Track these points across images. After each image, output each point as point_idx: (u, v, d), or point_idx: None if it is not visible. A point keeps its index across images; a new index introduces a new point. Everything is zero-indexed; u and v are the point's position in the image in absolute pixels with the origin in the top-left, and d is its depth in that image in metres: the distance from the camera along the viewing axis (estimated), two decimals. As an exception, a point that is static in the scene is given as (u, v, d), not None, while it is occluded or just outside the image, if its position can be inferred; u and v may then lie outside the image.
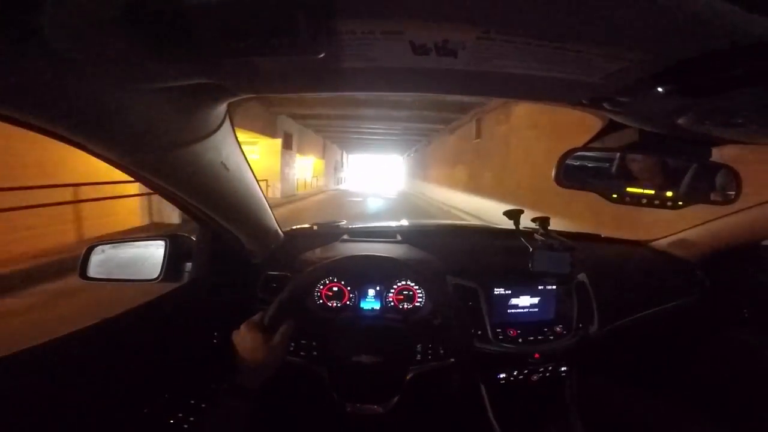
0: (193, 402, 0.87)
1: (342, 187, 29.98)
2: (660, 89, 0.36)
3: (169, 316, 0.83)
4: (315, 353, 0.75)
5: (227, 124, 0.59)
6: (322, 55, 0.29)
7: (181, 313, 0.86)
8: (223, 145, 0.62)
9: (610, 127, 0.66)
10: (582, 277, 1.17)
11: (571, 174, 0.68)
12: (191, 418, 0.76)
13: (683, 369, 1.29)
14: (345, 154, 38.19)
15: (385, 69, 0.35)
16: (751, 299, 1.32)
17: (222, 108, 0.54)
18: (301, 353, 0.75)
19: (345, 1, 0.24)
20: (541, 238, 1.16)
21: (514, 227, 1.29)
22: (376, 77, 0.38)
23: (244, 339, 0.69)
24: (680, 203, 0.70)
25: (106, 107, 0.38)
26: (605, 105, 0.46)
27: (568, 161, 0.67)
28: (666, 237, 1.55)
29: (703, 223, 1.42)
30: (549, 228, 1.26)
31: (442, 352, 0.77)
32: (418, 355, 0.77)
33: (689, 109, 0.46)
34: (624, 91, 0.41)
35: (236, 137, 0.66)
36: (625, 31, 0.28)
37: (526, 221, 1.31)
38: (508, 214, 1.30)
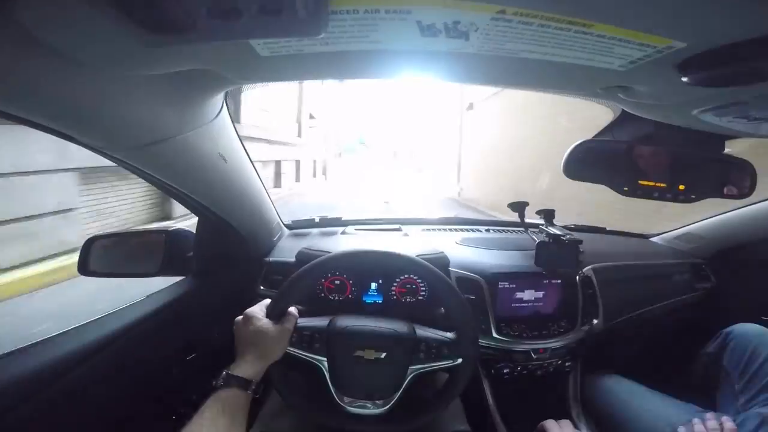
0: (194, 397, 0.86)
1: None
2: (684, 79, 0.34)
3: (169, 310, 0.82)
4: (317, 345, 0.73)
5: (224, 113, 0.57)
6: (321, 36, 0.27)
7: (181, 306, 0.85)
8: (220, 136, 0.60)
9: (622, 118, 0.64)
10: (588, 271, 1.16)
11: (582, 166, 0.66)
12: (191, 413, 0.75)
13: (687, 365, 1.28)
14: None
15: (389, 52, 0.32)
16: (758, 295, 1.30)
17: (219, 97, 0.52)
18: (303, 344, 0.73)
19: None
20: (547, 231, 1.14)
21: (519, 220, 1.28)
22: (380, 61, 0.35)
23: (246, 327, 0.67)
24: (693, 197, 0.68)
25: (95, 97, 0.36)
26: (621, 95, 0.44)
27: (579, 153, 0.65)
28: (672, 231, 1.53)
29: (710, 217, 1.40)
30: (554, 221, 1.24)
31: (446, 351, 0.75)
32: (421, 354, 0.75)
33: (709, 101, 0.44)
34: (644, 81, 0.38)
35: (234, 127, 0.64)
36: (656, 15, 0.25)
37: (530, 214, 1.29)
38: (513, 206, 1.28)
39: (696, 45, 0.29)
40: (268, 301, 0.73)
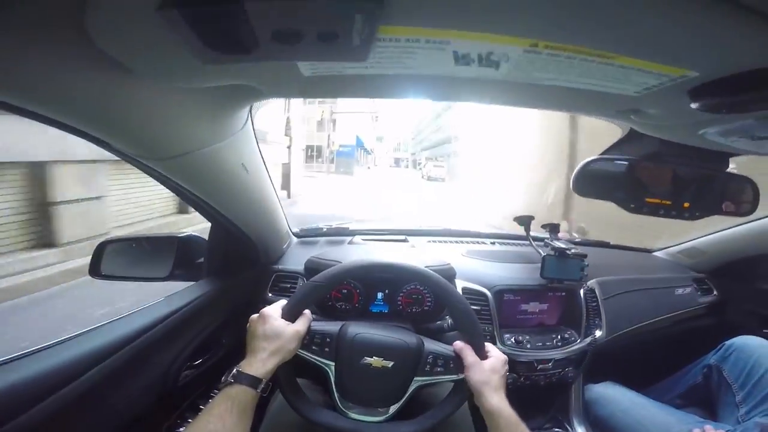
0: (203, 399, 0.87)
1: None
2: (693, 105, 0.36)
3: (179, 315, 0.82)
4: (327, 349, 0.74)
5: (249, 125, 0.59)
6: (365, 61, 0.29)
7: (190, 311, 0.85)
8: (244, 147, 0.62)
9: (630, 136, 0.66)
10: (592, 284, 1.17)
11: (590, 183, 0.68)
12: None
13: (688, 376, 1.28)
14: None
15: (422, 77, 0.34)
16: (759, 308, 1.31)
17: (246, 109, 0.54)
18: (314, 347, 0.74)
19: (397, 7, 0.24)
20: (552, 244, 1.16)
21: (524, 233, 1.29)
22: (412, 84, 0.37)
23: (262, 325, 0.67)
24: (697, 214, 0.70)
25: (137, 106, 0.38)
26: (632, 117, 0.46)
27: (587, 169, 0.67)
28: (675, 245, 1.55)
29: (713, 233, 1.41)
30: (559, 235, 1.26)
31: (452, 365, 0.76)
32: (428, 366, 0.76)
33: (716, 122, 0.46)
34: (656, 105, 0.40)
35: (256, 138, 0.66)
36: (674, 48, 0.27)
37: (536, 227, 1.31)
38: (519, 220, 1.30)
39: (707, 74, 0.31)
40: (283, 301, 0.74)
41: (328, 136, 22.43)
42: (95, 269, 0.93)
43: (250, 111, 0.57)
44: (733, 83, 0.31)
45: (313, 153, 25.09)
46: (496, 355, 0.75)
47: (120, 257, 0.99)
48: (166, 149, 0.48)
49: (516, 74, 0.32)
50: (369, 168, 43.44)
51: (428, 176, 26.32)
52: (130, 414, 0.72)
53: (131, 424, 0.72)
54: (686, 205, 0.68)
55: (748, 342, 1.12)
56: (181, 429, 0.86)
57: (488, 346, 0.76)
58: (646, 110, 0.42)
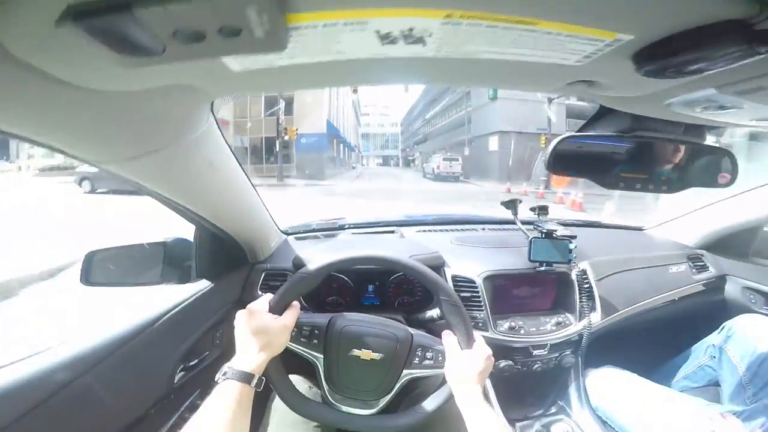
0: (198, 401, 0.88)
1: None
2: (639, 72, 0.35)
3: (170, 317, 0.83)
4: (315, 341, 0.75)
5: (212, 123, 0.59)
6: (285, 51, 0.29)
7: (182, 313, 0.86)
8: (208, 145, 0.62)
9: (602, 113, 0.66)
10: (584, 265, 1.17)
11: (564, 160, 0.67)
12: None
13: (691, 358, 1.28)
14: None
15: (355, 61, 0.34)
16: (758, 285, 1.30)
17: (204, 108, 0.54)
18: (302, 339, 0.74)
19: None
20: (540, 227, 1.16)
21: (512, 217, 1.29)
22: (345, 70, 0.37)
23: (249, 321, 0.67)
24: (675, 187, 0.69)
25: (80, 113, 0.38)
26: (588, 89, 0.45)
27: (561, 148, 0.67)
28: (666, 222, 1.54)
29: (701, 208, 1.40)
30: (548, 216, 1.26)
31: (440, 358, 0.75)
32: (416, 359, 0.76)
33: (677, 93, 0.45)
34: (604, 74, 0.40)
35: (223, 136, 0.66)
36: (595, 9, 0.27)
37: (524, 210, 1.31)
38: (506, 204, 1.30)
39: (642, 37, 0.31)
40: (270, 295, 0.74)
41: (278, 122, 14.04)
42: (86, 278, 0.94)
43: (211, 109, 0.57)
44: (670, 44, 0.30)
45: (261, 151, 16.91)
46: (478, 349, 0.73)
47: (109, 265, 1.00)
48: (121, 153, 0.48)
49: (446, 50, 0.32)
50: (354, 168, 36.09)
51: (437, 173, 21.34)
52: (128, 418, 0.73)
53: (131, 426, 0.73)
54: (663, 178, 0.68)
55: (749, 322, 1.11)
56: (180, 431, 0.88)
57: (477, 338, 0.75)
58: (598, 81, 0.42)
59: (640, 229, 1.61)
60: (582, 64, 0.36)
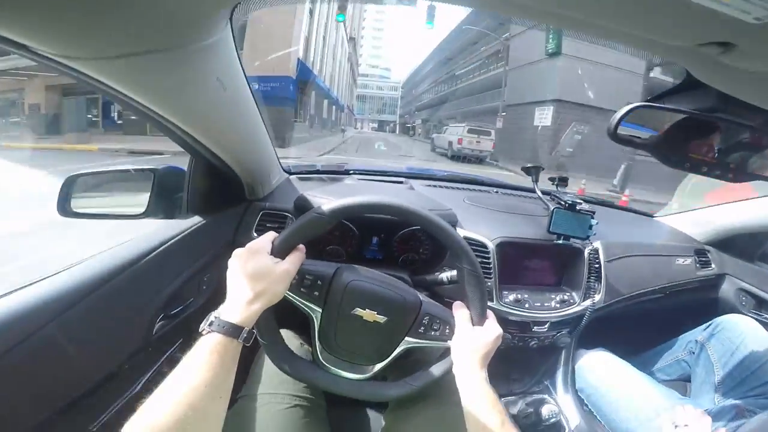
0: (178, 354, 0.82)
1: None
2: None
3: (151, 258, 0.74)
4: (316, 293, 0.66)
5: (227, 33, 0.47)
6: None
7: (167, 252, 0.77)
8: (219, 58, 0.50)
9: (685, 85, 0.57)
10: (597, 244, 1.12)
11: (630, 130, 0.60)
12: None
13: (675, 350, 1.30)
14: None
15: None
16: (755, 289, 1.30)
17: (223, 12, 0.42)
18: (302, 289, 0.65)
19: None
20: (561, 198, 1.09)
21: (532, 184, 1.22)
22: None
23: (248, 262, 0.57)
24: (742, 177, 0.63)
25: None
26: (720, 56, 0.36)
27: (630, 116, 0.58)
28: (679, 213, 1.50)
29: (716, 205, 1.36)
30: (567, 189, 1.19)
31: (447, 331, 0.68)
32: (422, 328, 0.69)
33: None
34: (737, 39, 0.31)
35: (238, 53, 0.54)
36: None
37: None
38: (527, 170, 1.22)
39: None
40: (273, 234, 0.64)
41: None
42: (63, 207, 0.84)
43: (231, 17, 0.45)
44: None
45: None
46: (490, 327, 0.67)
47: (91, 193, 0.90)
48: (113, 46, 0.37)
49: None
50: (344, 131, 27.22)
51: (457, 149, 14.84)
52: (101, 371, 0.66)
53: (103, 382, 0.65)
54: (732, 165, 0.61)
55: (736, 321, 1.11)
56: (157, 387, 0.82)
57: (489, 316, 0.69)
58: (749, 49, 0.32)
59: (650, 215, 1.57)
60: (759, 23, 0.26)
